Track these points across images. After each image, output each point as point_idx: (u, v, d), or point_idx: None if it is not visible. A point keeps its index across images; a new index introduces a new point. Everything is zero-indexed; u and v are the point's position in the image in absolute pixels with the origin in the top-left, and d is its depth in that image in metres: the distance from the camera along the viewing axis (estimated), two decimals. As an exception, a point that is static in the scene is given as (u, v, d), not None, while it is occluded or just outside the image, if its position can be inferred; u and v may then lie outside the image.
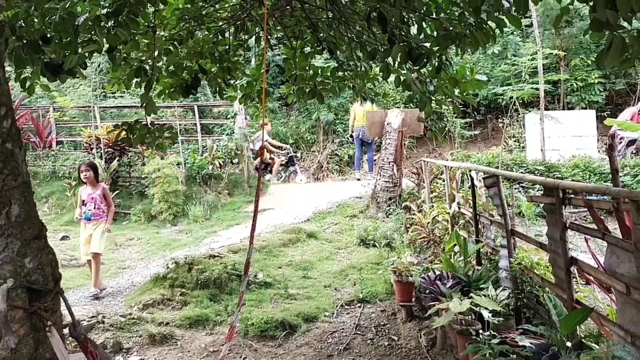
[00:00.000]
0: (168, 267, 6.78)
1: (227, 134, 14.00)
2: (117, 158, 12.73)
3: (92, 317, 5.51)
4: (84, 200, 7.15)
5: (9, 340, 1.70)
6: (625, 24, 2.64)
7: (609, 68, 12.92)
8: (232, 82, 5.61)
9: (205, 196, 12.11)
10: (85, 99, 16.33)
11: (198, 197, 11.94)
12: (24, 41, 3.43)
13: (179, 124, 13.66)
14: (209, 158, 12.90)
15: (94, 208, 7.12)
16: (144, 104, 4.59)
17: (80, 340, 2.01)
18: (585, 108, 13.93)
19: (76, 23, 3.47)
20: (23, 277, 1.78)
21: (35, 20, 3.51)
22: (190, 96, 5.89)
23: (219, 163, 12.95)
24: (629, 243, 2.77)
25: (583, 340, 3.33)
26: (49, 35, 3.54)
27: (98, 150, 12.83)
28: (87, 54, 3.92)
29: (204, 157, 13.07)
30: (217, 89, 5.53)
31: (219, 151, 13.30)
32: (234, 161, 13.43)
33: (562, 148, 11.62)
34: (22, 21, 3.46)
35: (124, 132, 5.02)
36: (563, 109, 14.24)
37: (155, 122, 7.79)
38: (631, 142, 11.77)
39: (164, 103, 11.52)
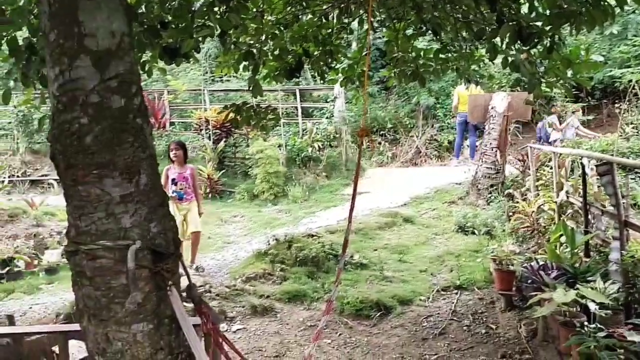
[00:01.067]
0: (269, 244, 7.10)
1: (327, 117, 14.20)
2: (224, 139, 13.36)
3: (200, 286, 5.90)
4: (173, 179, 6.82)
5: (137, 295, 1.91)
6: None
7: None
8: (333, 65, 5.69)
9: (304, 178, 12.42)
10: (195, 82, 17.23)
11: (297, 179, 12.28)
12: (144, 26, 3.70)
13: (281, 107, 14.07)
14: (308, 141, 13.19)
15: (187, 187, 6.87)
16: (251, 87, 4.81)
17: (195, 301, 2.19)
18: None
19: (192, 9, 3.70)
20: (148, 240, 1.97)
21: (155, 6, 3.78)
22: (292, 80, 6.05)
23: (318, 146, 13.20)
24: None
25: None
26: (167, 21, 3.80)
27: (207, 131, 13.52)
28: (200, 39, 4.16)
29: (303, 139, 13.37)
30: (320, 72, 5.65)
31: (318, 134, 13.54)
32: (332, 144, 13.61)
33: (689, 136, 10.58)
34: (143, 7, 3.74)
35: (232, 114, 5.30)
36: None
37: (259, 105, 8.09)
38: None
39: (267, 87, 11.91)
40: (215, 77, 16.97)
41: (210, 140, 13.26)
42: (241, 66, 5.11)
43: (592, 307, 3.52)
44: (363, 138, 3.82)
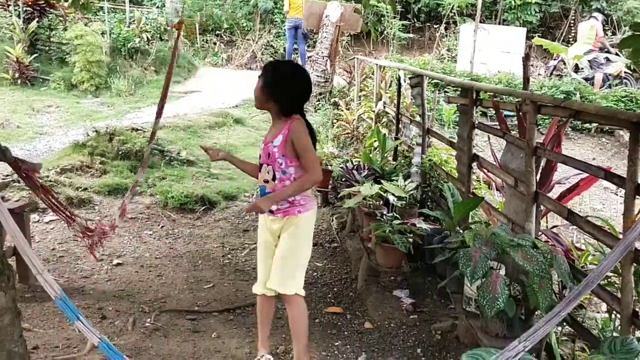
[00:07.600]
0: (88, 135, 6.67)
1: (158, 7, 13.24)
2: (37, 19, 11.80)
3: (7, 175, 5.42)
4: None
5: None
6: None
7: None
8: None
9: (131, 71, 11.64)
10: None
11: (123, 71, 11.45)
12: None
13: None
14: (136, 30, 12.26)
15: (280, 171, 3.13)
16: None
17: (10, 162, 2.08)
18: (520, 26, 14.24)
19: None
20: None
21: None
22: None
23: (147, 37, 12.36)
24: (523, 141, 3.07)
25: (472, 226, 3.72)
26: None
27: (16, 8, 11.80)
28: None
29: (130, 29, 12.38)
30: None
31: (147, 24, 12.64)
32: (163, 37, 12.84)
33: (490, 62, 11.94)
34: None
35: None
36: (499, 25, 14.49)
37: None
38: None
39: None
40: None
41: (20, 18, 11.61)
42: None
43: (392, 199, 4.01)
44: (180, 30, 3.71)
